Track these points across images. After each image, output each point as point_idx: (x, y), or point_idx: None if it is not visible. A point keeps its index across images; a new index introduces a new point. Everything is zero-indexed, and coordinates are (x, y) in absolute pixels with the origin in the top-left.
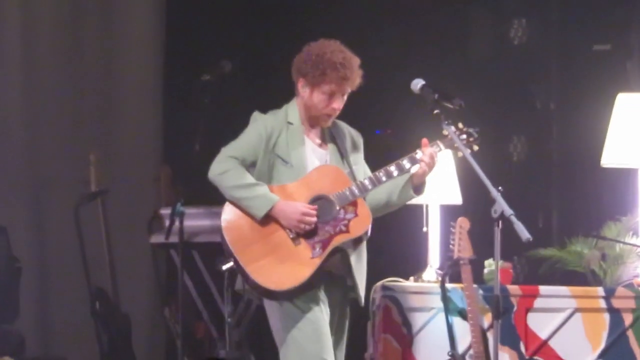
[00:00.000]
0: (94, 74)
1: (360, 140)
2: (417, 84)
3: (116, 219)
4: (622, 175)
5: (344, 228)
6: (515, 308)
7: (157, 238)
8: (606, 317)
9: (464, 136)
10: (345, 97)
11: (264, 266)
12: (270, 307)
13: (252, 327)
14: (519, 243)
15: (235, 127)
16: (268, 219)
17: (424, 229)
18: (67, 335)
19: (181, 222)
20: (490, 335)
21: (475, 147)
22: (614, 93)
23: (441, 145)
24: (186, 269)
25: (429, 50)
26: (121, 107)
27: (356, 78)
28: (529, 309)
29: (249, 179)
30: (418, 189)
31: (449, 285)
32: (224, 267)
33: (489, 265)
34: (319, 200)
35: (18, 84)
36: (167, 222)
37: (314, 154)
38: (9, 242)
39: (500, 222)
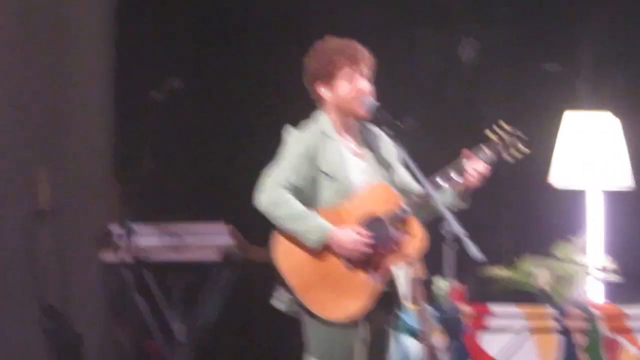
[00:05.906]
0: (42, 88)
1: (390, 140)
2: (371, 104)
3: (66, 236)
4: (570, 195)
5: (396, 249)
6: (466, 327)
7: (108, 256)
8: (558, 337)
9: (515, 139)
10: (370, 82)
11: (321, 297)
12: (310, 325)
13: (205, 347)
14: (468, 261)
15: (186, 144)
16: (322, 247)
17: None
18: (16, 353)
19: (132, 239)
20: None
21: (526, 150)
22: (562, 112)
23: (487, 151)
24: (137, 287)
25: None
26: (70, 124)
27: (366, 56)
28: (480, 328)
29: (300, 208)
30: (465, 198)
31: None
32: (280, 306)
33: (439, 283)
34: (371, 222)
35: None
36: (117, 239)
37: (353, 163)
38: None
39: (451, 241)
